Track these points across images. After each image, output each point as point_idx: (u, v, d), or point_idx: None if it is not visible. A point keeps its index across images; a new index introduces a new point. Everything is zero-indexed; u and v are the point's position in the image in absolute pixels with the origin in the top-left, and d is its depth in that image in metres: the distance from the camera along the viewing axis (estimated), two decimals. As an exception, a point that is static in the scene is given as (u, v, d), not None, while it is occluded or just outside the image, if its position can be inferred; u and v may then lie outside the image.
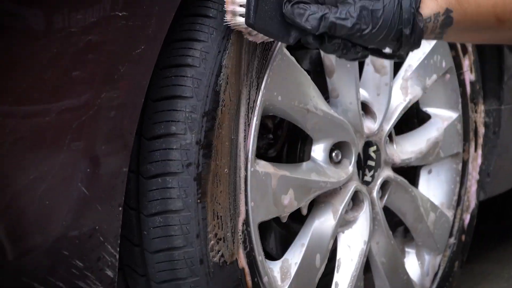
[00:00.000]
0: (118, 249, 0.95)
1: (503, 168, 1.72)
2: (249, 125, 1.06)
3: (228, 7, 0.98)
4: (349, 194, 1.25)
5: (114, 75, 0.90)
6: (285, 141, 1.26)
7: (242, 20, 0.97)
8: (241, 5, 0.97)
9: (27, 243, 0.88)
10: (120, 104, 0.91)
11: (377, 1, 0.94)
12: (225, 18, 0.98)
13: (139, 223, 1.02)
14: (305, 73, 1.15)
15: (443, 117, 1.48)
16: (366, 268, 1.37)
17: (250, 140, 1.06)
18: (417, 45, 0.98)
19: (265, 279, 1.10)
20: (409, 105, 1.37)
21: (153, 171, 1.00)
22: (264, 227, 1.22)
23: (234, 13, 0.98)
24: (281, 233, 1.31)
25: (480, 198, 1.70)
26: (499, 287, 1.99)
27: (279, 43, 1.07)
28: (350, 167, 1.25)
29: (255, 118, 1.06)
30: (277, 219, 1.27)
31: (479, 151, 1.55)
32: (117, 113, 0.91)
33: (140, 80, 0.93)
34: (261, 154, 1.23)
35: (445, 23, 0.98)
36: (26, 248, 0.88)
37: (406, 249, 1.48)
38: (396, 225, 1.49)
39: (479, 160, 1.56)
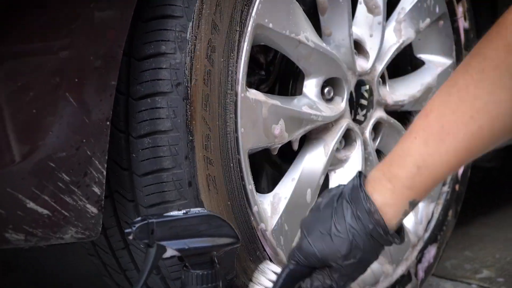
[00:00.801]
0: (105, 165, 0.94)
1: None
2: (239, 49, 1.05)
3: None
4: (341, 131, 1.24)
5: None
6: (277, 77, 1.25)
7: None
8: None
9: (12, 153, 0.87)
10: (110, 18, 0.91)
11: (358, 252, 0.96)
12: None
13: (128, 146, 1.01)
14: (297, 4, 1.14)
15: (437, 63, 1.47)
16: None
17: (240, 65, 1.06)
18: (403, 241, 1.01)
19: (254, 208, 1.10)
20: (402, 47, 1.36)
21: (142, 92, 1.00)
22: (256, 167, 1.22)
23: None
24: (273, 172, 1.30)
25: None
26: (495, 248, 1.98)
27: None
28: (342, 103, 1.24)
29: (245, 43, 1.06)
30: (269, 160, 1.27)
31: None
32: (106, 25, 0.90)
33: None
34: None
35: (411, 208, 0.99)
36: (11, 158, 0.87)
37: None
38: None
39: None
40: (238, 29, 1.04)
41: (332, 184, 1.29)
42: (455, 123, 0.93)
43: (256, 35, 1.08)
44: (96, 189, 0.94)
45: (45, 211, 0.90)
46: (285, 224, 1.15)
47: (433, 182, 0.98)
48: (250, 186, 1.09)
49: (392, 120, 1.36)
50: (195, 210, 0.86)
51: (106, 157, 0.94)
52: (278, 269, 0.99)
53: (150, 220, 0.83)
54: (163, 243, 0.83)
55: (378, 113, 1.33)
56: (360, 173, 0.98)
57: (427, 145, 0.94)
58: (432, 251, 1.48)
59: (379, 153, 1.38)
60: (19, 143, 0.87)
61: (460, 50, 1.49)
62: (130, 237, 0.83)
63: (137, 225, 0.82)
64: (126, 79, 1.00)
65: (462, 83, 0.92)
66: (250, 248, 1.09)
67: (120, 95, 1.00)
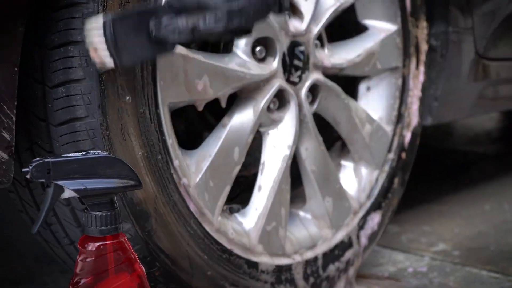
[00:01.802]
0: (15, 111, 0.94)
1: (454, 93, 1.71)
2: None
3: (94, 57, 0.98)
4: (272, 90, 1.24)
5: None
6: (208, 37, 1.25)
7: (111, 63, 0.97)
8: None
9: None
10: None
11: None
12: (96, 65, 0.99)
13: (44, 96, 1.01)
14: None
15: (380, 29, 1.47)
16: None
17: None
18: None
19: (175, 162, 1.10)
20: (340, 9, 1.35)
21: (56, 42, 1.00)
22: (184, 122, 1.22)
23: (101, 59, 0.97)
24: (202, 129, 1.31)
25: (428, 122, 1.69)
26: (455, 223, 1.98)
27: None
28: (274, 63, 1.24)
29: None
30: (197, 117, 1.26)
31: (421, 68, 1.54)
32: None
33: None
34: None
35: None
36: None
37: (343, 163, 1.47)
38: (334, 140, 1.49)
39: (421, 77, 1.55)
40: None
41: (266, 147, 1.29)
42: None
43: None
44: (6, 135, 0.94)
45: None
46: (210, 181, 1.15)
47: None
48: (171, 140, 1.09)
49: (330, 83, 1.35)
50: (95, 152, 0.86)
51: (15, 103, 0.94)
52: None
53: (46, 160, 0.83)
54: (60, 182, 0.83)
55: (315, 76, 1.32)
56: None
57: None
58: (375, 218, 1.47)
59: (319, 117, 1.39)
60: None
61: (406, 16, 1.49)
62: (28, 176, 0.83)
63: (33, 164, 0.82)
64: (41, 29, 1.00)
65: None
66: (171, 201, 1.09)
67: (35, 47, 1.00)
